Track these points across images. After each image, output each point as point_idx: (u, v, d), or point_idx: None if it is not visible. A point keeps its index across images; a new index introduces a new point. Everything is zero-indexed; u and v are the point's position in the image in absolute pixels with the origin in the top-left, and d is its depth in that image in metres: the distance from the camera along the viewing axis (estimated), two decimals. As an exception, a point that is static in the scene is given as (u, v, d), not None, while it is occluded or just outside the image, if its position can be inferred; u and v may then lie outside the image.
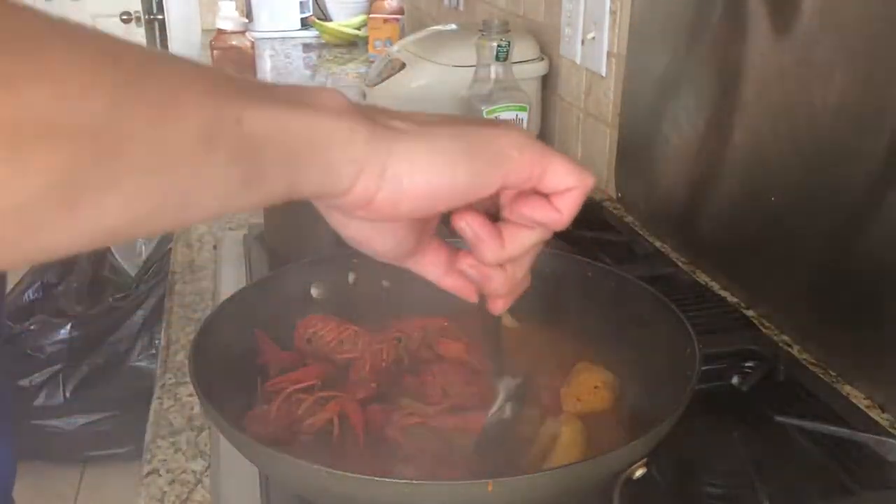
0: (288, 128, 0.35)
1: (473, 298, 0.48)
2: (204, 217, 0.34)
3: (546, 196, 0.42)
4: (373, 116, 0.38)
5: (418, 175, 0.38)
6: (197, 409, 0.76)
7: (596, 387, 0.64)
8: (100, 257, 2.43)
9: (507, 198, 0.44)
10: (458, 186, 0.39)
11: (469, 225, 0.44)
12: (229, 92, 0.33)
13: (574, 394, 0.64)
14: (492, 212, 0.45)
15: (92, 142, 0.28)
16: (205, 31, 2.90)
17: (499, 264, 0.45)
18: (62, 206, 0.28)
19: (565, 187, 0.42)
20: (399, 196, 0.38)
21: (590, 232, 1.09)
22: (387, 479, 0.48)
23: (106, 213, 0.29)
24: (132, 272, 2.37)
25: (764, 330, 0.86)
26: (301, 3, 2.81)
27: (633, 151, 1.18)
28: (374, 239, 0.44)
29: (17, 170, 0.26)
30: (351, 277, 0.76)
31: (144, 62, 0.30)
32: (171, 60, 0.32)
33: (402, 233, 0.45)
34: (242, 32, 1.72)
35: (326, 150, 0.36)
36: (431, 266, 0.48)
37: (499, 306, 0.49)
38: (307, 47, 2.62)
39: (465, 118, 0.42)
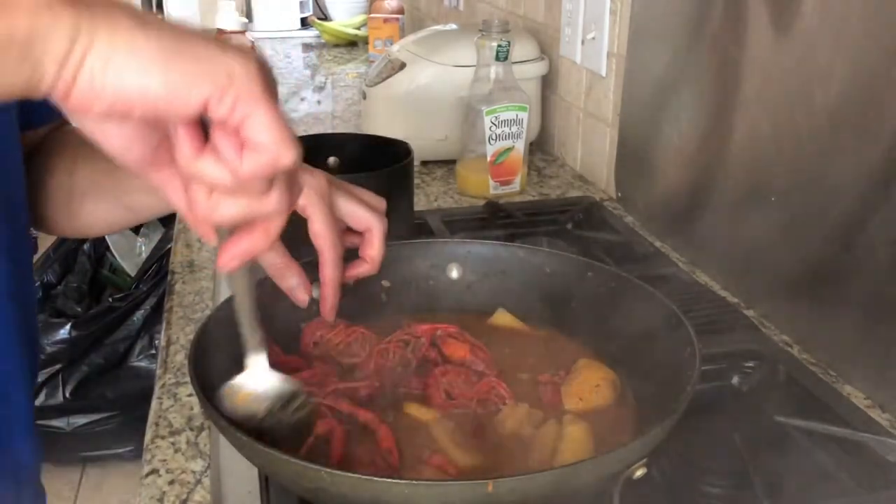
0: None
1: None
2: None
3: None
4: (87, 3, 0.36)
5: (111, 74, 0.36)
6: (197, 409, 0.76)
7: (597, 385, 0.64)
8: (100, 257, 2.43)
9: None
10: (150, 93, 0.37)
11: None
12: None
13: (576, 392, 0.64)
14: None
15: None
16: (205, 31, 2.90)
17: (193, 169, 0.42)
18: None
19: (254, 146, 0.40)
20: (91, 94, 0.37)
21: (590, 232, 1.09)
22: (387, 479, 0.48)
23: None
24: (132, 272, 2.37)
25: (764, 330, 0.86)
26: (301, 3, 2.81)
27: (633, 151, 1.19)
28: (103, 137, 0.42)
29: None
30: (351, 277, 0.76)
31: None
32: None
33: (128, 135, 0.43)
34: (242, 32, 1.72)
35: (26, 47, 0.35)
36: (169, 181, 0.45)
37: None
38: (307, 47, 2.62)
39: (204, 31, 0.40)
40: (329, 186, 0.63)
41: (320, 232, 0.62)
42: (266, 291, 0.70)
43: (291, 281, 0.64)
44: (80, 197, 0.73)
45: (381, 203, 0.67)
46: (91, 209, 0.73)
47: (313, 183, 0.62)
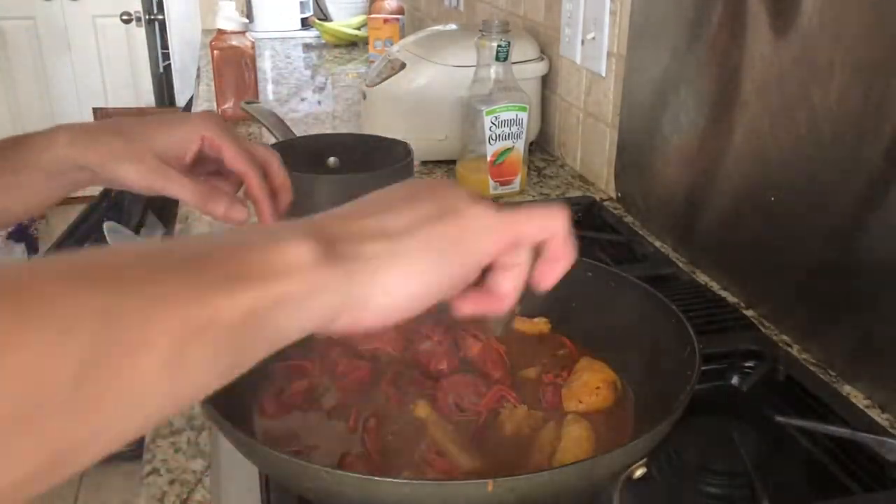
0: (259, 308, 0.34)
1: None
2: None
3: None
4: (340, 251, 0.38)
5: (399, 299, 0.40)
6: (197, 409, 0.76)
7: (598, 387, 0.64)
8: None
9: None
10: (439, 292, 0.41)
11: (466, 310, 0.47)
12: (192, 290, 0.32)
13: (575, 395, 0.64)
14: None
15: (65, 420, 0.28)
16: (205, 31, 2.90)
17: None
18: (52, 476, 0.31)
19: (543, 238, 0.48)
20: (384, 317, 0.40)
21: (590, 232, 1.09)
22: (387, 479, 0.48)
23: (93, 457, 0.31)
24: (132, 272, 2.37)
25: (764, 330, 0.86)
26: (301, 3, 2.81)
27: (633, 151, 1.19)
28: None
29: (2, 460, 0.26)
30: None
31: (105, 311, 0.29)
32: (133, 285, 0.30)
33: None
34: (242, 32, 1.72)
35: (304, 311, 0.36)
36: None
37: None
38: (307, 47, 2.62)
39: (426, 205, 0.42)
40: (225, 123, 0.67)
41: (236, 154, 0.65)
42: None
43: (221, 206, 0.65)
44: None
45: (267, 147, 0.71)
46: None
47: (211, 117, 0.66)
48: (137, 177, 0.62)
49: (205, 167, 0.68)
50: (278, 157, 0.69)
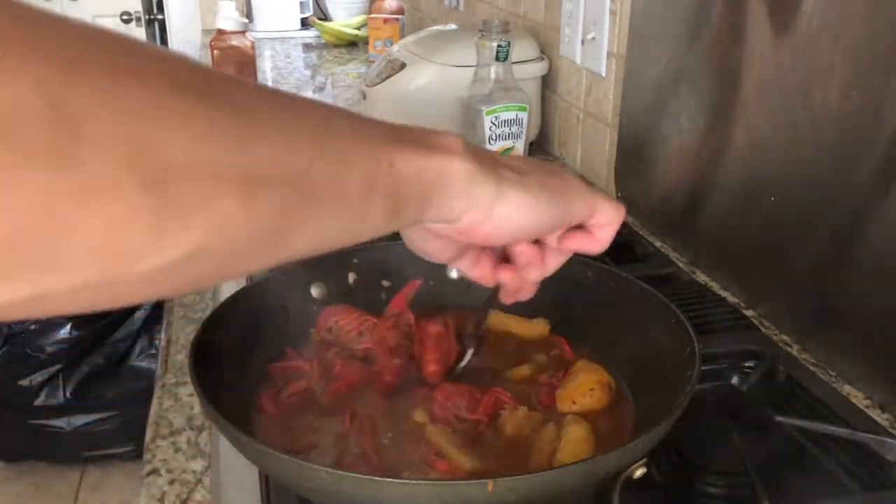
0: (426, 168, 0.41)
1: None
2: (353, 242, 0.40)
3: (584, 227, 0.54)
4: (486, 160, 0.45)
5: (516, 217, 0.46)
6: (197, 409, 0.76)
7: (592, 389, 0.64)
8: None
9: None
10: (541, 227, 0.49)
11: (523, 252, 0.54)
12: (378, 138, 0.39)
13: (569, 396, 0.64)
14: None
15: (294, 192, 0.33)
16: (205, 31, 2.90)
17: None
18: (269, 244, 0.34)
19: (607, 222, 0.55)
20: (497, 230, 0.46)
21: (590, 232, 1.09)
22: (386, 479, 0.48)
23: (292, 250, 0.36)
24: (132, 272, 2.37)
25: (764, 330, 0.86)
26: (301, 3, 2.81)
27: (633, 151, 1.19)
28: (436, 250, 0.51)
29: (247, 212, 0.31)
30: (351, 277, 0.76)
31: (325, 118, 0.36)
32: (337, 114, 0.37)
33: (457, 248, 0.52)
34: (242, 32, 1.72)
35: (451, 187, 0.43)
36: (470, 269, 0.56)
37: (511, 300, 0.58)
38: (307, 47, 2.62)
39: (541, 164, 0.50)
40: None
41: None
42: (273, 290, 0.70)
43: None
44: None
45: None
46: None
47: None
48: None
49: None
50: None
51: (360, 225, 0.39)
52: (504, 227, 0.46)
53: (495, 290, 0.59)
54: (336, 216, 0.37)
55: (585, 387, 0.64)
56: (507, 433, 0.61)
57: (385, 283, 0.76)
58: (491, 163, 0.45)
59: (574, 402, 0.64)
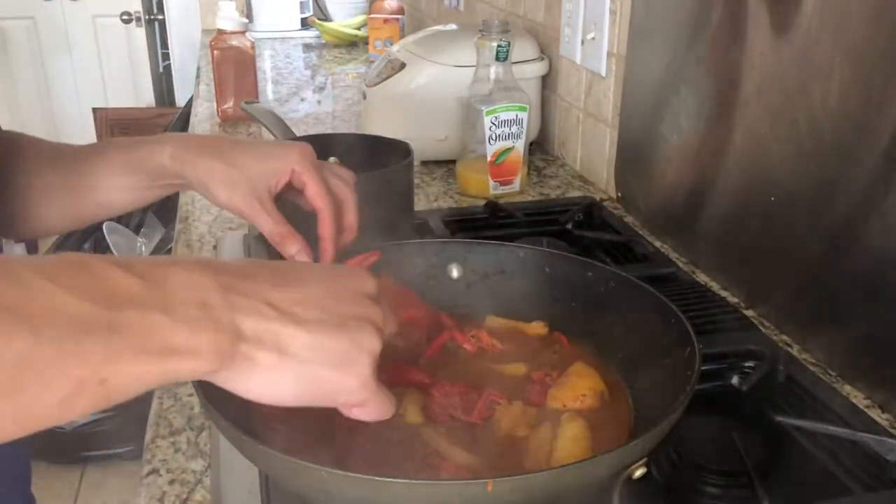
0: (147, 378, 0.39)
1: None
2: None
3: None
4: (238, 351, 0.42)
5: (273, 402, 0.46)
6: (197, 409, 0.76)
7: (583, 395, 0.64)
8: (100, 257, 2.43)
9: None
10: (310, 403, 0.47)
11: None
12: (94, 351, 0.36)
13: (560, 397, 0.64)
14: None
15: None
16: (205, 31, 2.90)
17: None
18: None
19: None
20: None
21: (590, 232, 1.09)
22: (386, 479, 0.48)
23: None
24: (132, 272, 2.37)
25: (764, 330, 0.86)
26: (301, 3, 2.81)
27: (633, 151, 1.19)
28: None
29: None
30: (351, 277, 0.76)
31: (33, 335, 0.34)
32: (48, 328, 0.35)
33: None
34: (242, 32, 1.72)
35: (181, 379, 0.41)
36: None
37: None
38: (307, 47, 2.62)
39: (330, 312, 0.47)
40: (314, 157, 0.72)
41: (318, 192, 0.69)
42: None
43: (293, 248, 0.68)
44: (39, 198, 0.76)
45: (351, 176, 0.75)
46: (53, 209, 0.77)
47: (305, 151, 0.70)
48: (227, 201, 0.68)
49: (286, 192, 0.73)
50: (355, 197, 0.73)
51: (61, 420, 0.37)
52: (270, 402, 0.46)
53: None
54: (20, 426, 0.36)
55: (577, 391, 0.64)
56: (502, 429, 0.61)
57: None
58: (250, 346, 0.43)
59: (564, 405, 0.64)
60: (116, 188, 0.75)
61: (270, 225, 0.68)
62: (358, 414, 0.49)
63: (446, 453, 0.58)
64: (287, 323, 0.44)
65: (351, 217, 0.72)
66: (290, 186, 0.70)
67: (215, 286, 0.42)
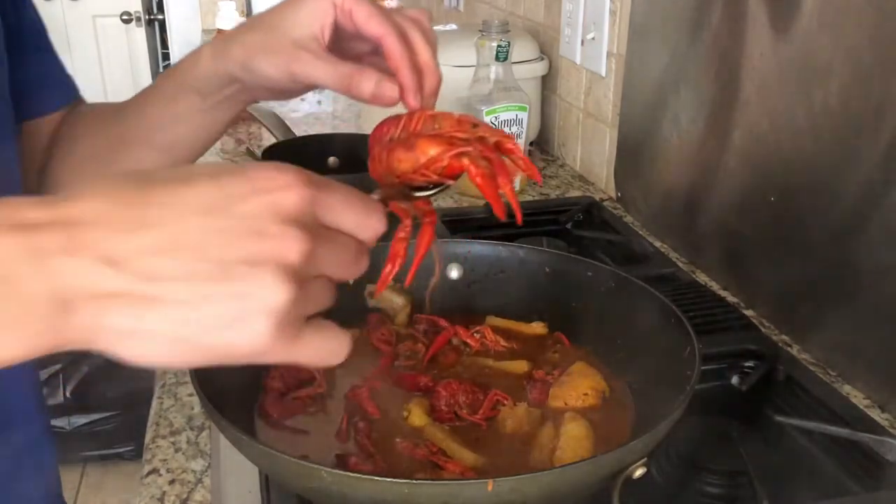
0: None
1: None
2: None
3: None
4: (80, 311, 0.33)
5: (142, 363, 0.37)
6: (197, 408, 0.76)
7: (585, 394, 0.64)
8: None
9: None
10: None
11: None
12: None
13: (562, 396, 0.64)
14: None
15: None
16: (205, 31, 2.90)
17: None
18: None
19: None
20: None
21: (590, 232, 1.09)
22: (386, 479, 0.48)
23: None
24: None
25: (764, 330, 0.86)
26: (301, 3, 2.81)
27: (633, 151, 1.19)
28: None
29: None
30: (351, 277, 0.76)
31: None
32: None
33: None
34: (242, 32, 1.72)
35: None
36: None
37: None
38: (307, 47, 2.61)
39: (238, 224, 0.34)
40: None
41: (371, 15, 0.55)
42: None
43: (369, 84, 0.54)
44: (110, 157, 0.68)
45: (421, 13, 0.58)
46: (128, 164, 0.67)
47: None
48: (276, 70, 0.55)
49: (358, 45, 0.59)
50: (426, 23, 0.57)
51: None
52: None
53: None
54: None
55: (579, 390, 0.64)
56: (506, 429, 0.62)
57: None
58: (94, 305, 0.33)
59: (565, 403, 0.64)
60: (172, 122, 0.64)
61: (327, 69, 0.54)
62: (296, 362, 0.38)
63: (451, 453, 0.58)
64: (135, 283, 0.33)
65: (425, 53, 0.56)
66: (346, 31, 0.56)
67: (23, 252, 0.32)
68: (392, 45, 0.54)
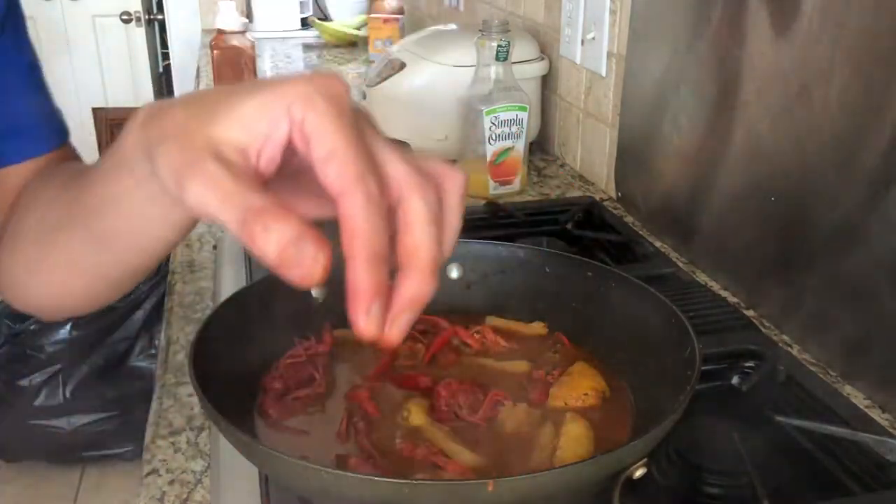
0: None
1: None
2: None
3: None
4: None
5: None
6: (197, 409, 0.76)
7: (586, 394, 0.64)
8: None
9: None
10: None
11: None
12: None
13: (562, 396, 0.64)
14: None
15: None
16: (205, 31, 2.90)
17: None
18: None
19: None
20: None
21: (590, 232, 1.09)
22: (386, 479, 0.48)
23: None
24: (132, 272, 2.37)
25: (764, 330, 0.86)
26: (301, 3, 2.81)
27: (633, 151, 1.19)
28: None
29: None
30: (351, 277, 0.75)
31: None
32: None
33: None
34: (242, 32, 1.72)
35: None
36: None
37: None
38: (307, 47, 2.62)
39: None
40: (352, 100, 0.38)
41: (337, 151, 0.35)
42: (273, 290, 0.69)
43: (270, 238, 0.35)
44: (49, 240, 0.55)
45: (433, 163, 0.42)
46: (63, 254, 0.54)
47: (320, 83, 0.36)
48: (168, 171, 0.37)
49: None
50: (454, 186, 0.40)
51: None
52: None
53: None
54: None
55: (580, 391, 0.64)
56: (506, 429, 0.62)
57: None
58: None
59: (566, 403, 0.64)
60: (110, 206, 0.46)
61: (227, 202, 0.34)
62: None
63: (451, 453, 0.58)
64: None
65: (413, 241, 0.37)
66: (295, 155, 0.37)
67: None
68: (348, 212, 0.35)
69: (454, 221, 0.39)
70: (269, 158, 0.36)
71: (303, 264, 0.34)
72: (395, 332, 0.37)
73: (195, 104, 0.38)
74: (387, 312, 0.36)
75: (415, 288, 0.37)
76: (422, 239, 0.37)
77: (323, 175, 0.35)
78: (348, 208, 0.34)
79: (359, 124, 0.37)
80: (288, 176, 0.37)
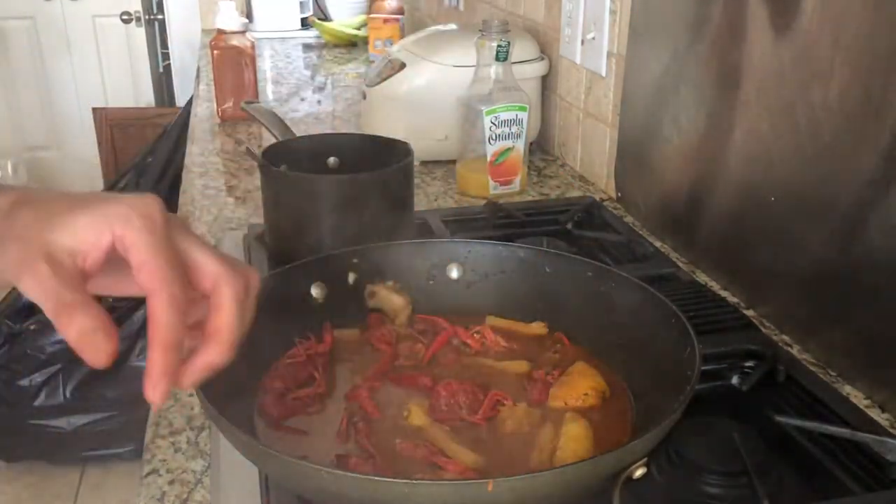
0: None
1: None
2: None
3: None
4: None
5: None
6: (197, 409, 0.76)
7: (585, 394, 0.64)
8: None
9: None
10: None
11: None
12: None
13: (562, 395, 0.64)
14: None
15: None
16: (205, 31, 2.90)
17: None
18: None
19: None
20: None
21: (590, 232, 1.09)
22: (386, 479, 0.48)
23: None
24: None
25: (764, 330, 0.86)
26: (301, 3, 2.81)
27: (633, 151, 1.19)
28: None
29: None
30: (351, 277, 0.76)
31: None
32: None
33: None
34: (242, 32, 1.72)
35: None
36: None
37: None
38: (307, 47, 2.62)
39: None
40: (164, 216, 0.46)
41: (147, 261, 0.44)
42: (273, 290, 0.69)
43: (73, 327, 0.44)
44: None
45: (237, 261, 0.50)
46: None
47: (139, 209, 0.45)
48: (5, 264, 0.45)
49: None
50: (240, 285, 0.49)
51: None
52: None
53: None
54: None
55: (580, 390, 0.64)
56: (506, 429, 0.62)
57: (387, 283, 0.76)
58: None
59: (566, 403, 0.64)
60: None
61: (51, 293, 0.43)
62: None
63: (451, 453, 0.58)
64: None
65: (222, 320, 0.48)
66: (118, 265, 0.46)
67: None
68: (153, 309, 0.44)
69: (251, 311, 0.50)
70: (93, 261, 0.45)
71: (93, 350, 0.43)
72: (187, 383, 0.48)
73: (43, 209, 0.46)
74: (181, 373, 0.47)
75: (213, 356, 0.48)
76: (227, 321, 0.48)
77: (137, 278, 0.45)
78: (153, 306, 0.44)
79: (172, 233, 0.47)
80: (123, 263, 0.46)
